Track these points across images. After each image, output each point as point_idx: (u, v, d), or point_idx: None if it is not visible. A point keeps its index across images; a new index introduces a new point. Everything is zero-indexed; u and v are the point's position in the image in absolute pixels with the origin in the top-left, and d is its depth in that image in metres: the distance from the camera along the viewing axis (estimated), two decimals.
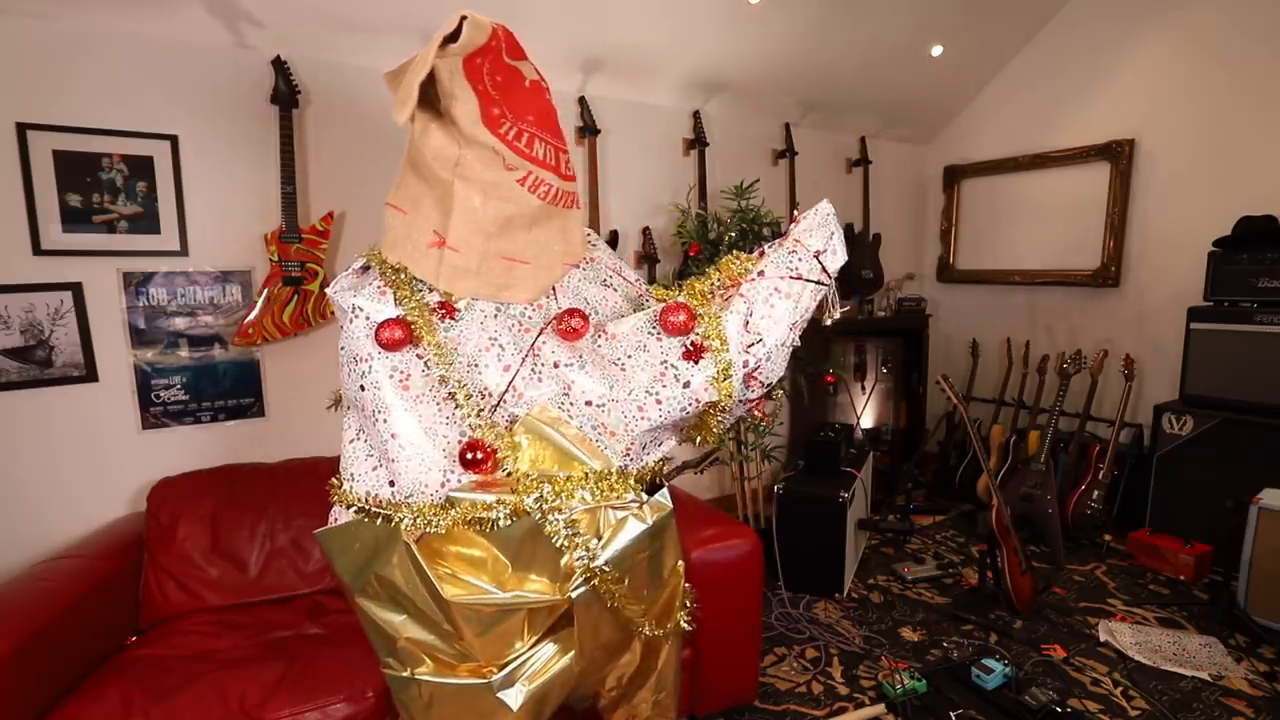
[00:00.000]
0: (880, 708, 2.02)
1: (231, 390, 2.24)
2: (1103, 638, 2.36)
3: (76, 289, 1.98)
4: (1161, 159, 3.24)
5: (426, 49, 0.94)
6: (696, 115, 3.14)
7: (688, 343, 1.05)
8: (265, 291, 2.16)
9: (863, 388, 3.68)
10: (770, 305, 1.06)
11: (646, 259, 2.99)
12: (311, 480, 2.08)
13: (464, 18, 0.93)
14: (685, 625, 1.23)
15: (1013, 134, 3.80)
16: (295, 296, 2.19)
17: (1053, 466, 3.11)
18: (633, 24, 2.61)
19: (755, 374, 1.08)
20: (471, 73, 0.97)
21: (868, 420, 3.68)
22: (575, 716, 1.35)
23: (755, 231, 3.01)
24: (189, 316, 2.15)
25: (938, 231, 4.28)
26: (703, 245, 2.94)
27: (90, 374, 2.02)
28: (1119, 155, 3.32)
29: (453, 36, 0.94)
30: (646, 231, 3.01)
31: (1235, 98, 2.97)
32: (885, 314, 3.93)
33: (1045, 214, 3.72)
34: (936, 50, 3.26)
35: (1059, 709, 1.94)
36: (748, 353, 1.05)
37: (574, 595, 1.03)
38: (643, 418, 1.06)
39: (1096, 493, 3.12)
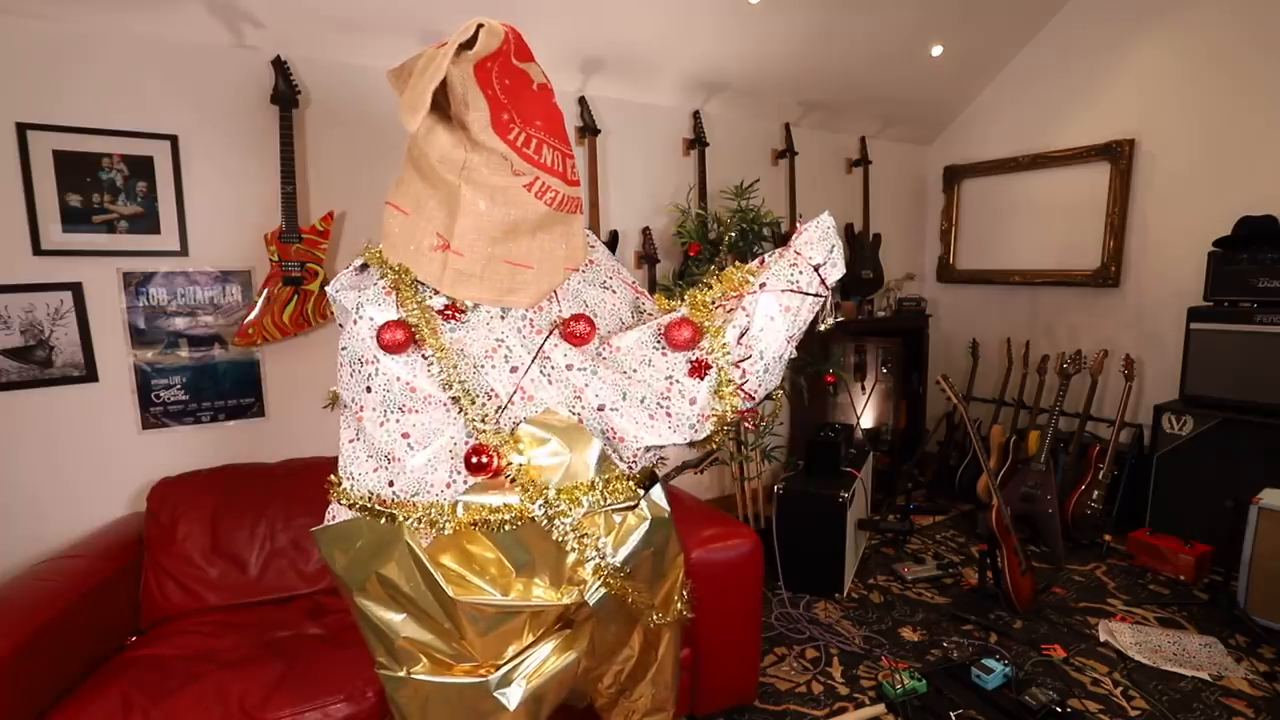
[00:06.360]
0: (880, 708, 2.02)
1: (231, 390, 2.24)
2: (1103, 638, 2.36)
3: (76, 289, 1.98)
4: (1161, 159, 3.24)
5: (438, 53, 0.93)
6: (696, 115, 3.13)
7: (693, 358, 1.06)
8: (265, 291, 2.16)
9: (863, 388, 3.67)
10: (769, 318, 1.06)
11: (647, 259, 2.99)
12: (311, 480, 2.06)
13: (480, 25, 0.93)
14: (686, 613, 1.24)
15: (1013, 134, 3.80)
16: (295, 296, 2.19)
17: (1053, 466, 3.11)
18: (633, 24, 2.60)
19: (744, 386, 1.08)
20: (482, 77, 0.96)
21: (868, 420, 3.68)
22: (573, 716, 1.35)
23: (755, 231, 3.01)
24: (189, 316, 2.15)
25: (938, 231, 4.28)
26: (703, 245, 2.94)
27: (90, 374, 2.02)
28: (1119, 155, 3.32)
29: (468, 44, 0.93)
30: (646, 231, 3.01)
31: (1235, 98, 2.97)
32: (885, 314, 3.93)
33: (1045, 214, 3.72)
34: (937, 50, 3.26)
35: (1059, 709, 1.94)
36: (740, 367, 1.06)
37: (593, 602, 1.05)
38: (651, 425, 1.07)
39: (1096, 493, 3.12)
